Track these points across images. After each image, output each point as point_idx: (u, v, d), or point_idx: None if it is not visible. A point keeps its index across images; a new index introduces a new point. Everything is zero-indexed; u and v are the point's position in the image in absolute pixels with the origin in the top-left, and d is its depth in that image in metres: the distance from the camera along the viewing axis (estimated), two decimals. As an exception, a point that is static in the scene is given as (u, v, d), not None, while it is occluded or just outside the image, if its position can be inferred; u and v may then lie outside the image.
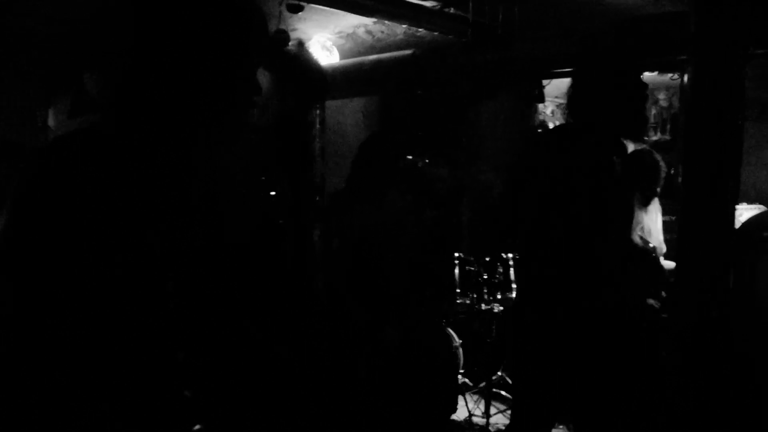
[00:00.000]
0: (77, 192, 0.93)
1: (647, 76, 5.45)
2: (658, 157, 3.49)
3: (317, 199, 4.22)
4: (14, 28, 4.14)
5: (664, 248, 3.67)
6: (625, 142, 2.59)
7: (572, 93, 2.39)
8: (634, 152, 3.76)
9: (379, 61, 4.60)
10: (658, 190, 3.48)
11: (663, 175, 3.43)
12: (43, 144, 1.05)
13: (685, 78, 2.89)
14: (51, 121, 4.12)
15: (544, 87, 4.56)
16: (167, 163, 1.04)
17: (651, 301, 3.33)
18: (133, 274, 0.96)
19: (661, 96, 6.80)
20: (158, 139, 1.03)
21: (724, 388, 2.69)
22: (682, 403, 2.87)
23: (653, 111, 7.02)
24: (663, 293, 3.38)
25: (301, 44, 4.19)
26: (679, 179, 2.67)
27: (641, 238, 3.39)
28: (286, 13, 3.79)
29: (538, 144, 2.54)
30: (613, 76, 2.31)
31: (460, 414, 3.95)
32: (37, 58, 4.29)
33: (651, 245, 3.44)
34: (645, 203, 3.44)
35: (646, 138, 6.99)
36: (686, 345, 2.64)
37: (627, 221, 2.55)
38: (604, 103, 2.29)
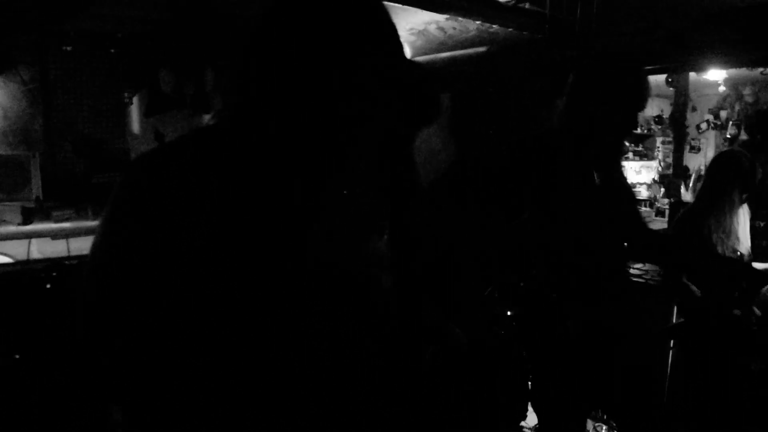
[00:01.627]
0: (202, 197, 0.92)
1: (731, 70, 5.22)
2: (751, 157, 3.28)
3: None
4: (94, 30, 4.28)
5: (752, 255, 3.47)
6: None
7: (574, 96, 2.27)
8: (727, 153, 3.55)
9: (452, 59, 4.52)
10: (745, 197, 3.28)
11: (759, 177, 3.22)
12: (156, 149, 1.04)
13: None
14: (127, 120, 4.24)
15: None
16: (290, 171, 1.00)
17: (739, 313, 3.14)
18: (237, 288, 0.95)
19: (747, 91, 6.44)
20: (281, 141, 0.99)
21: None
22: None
23: (737, 107, 6.68)
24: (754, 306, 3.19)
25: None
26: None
27: (730, 245, 3.20)
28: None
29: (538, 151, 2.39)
30: (622, 76, 2.18)
31: (529, 421, 3.85)
32: (117, 58, 4.42)
33: (739, 253, 3.25)
34: (737, 207, 3.25)
35: (728, 136, 6.67)
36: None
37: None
38: (608, 106, 2.16)
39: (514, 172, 2.28)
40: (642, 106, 2.24)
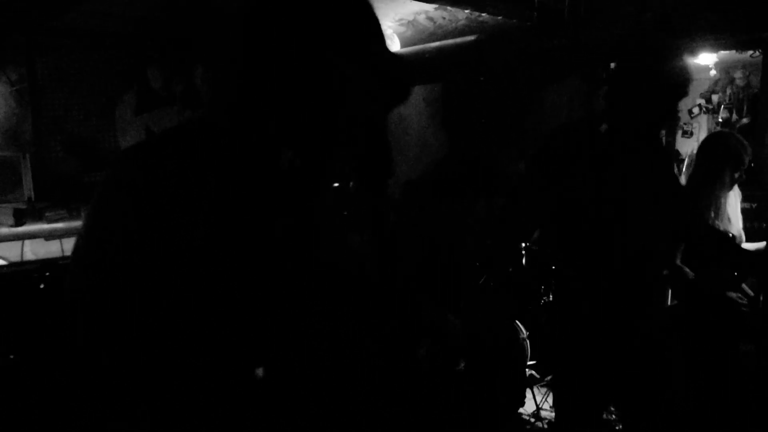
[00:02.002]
0: (197, 187, 0.91)
1: (721, 53, 5.23)
2: (741, 138, 3.28)
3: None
4: (85, 27, 4.25)
5: (743, 237, 3.49)
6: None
7: (615, 82, 2.26)
8: (716, 134, 3.56)
9: (441, 48, 4.51)
10: (743, 174, 3.28)
11: (749, 157, 3.22)
12: (147, 141, 1.02)
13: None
14: (117, 118, 4.22)
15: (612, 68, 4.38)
16: (287, 167, 0.99)
17: (732, 294, 3.16)
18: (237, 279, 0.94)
19: (738, 75, 6.44)
20: (281, 140, 0.99)
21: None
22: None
23: (728, 91, 6.68)
24: (745, 286, 3.20)
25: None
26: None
27: (722, 227, 3.21)
28: (347, 2, 3.75)
29: (569, 138, 2.36)
30: (661, 64, 2.16)
31: (528, 407, 3.87)
32: (108, 56, 4.40)
33: (731, 234, 3.26)
34: (728, 188, 3.25)
35: (720, 120, 6.67)
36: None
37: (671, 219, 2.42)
38: (645, 95, 2.14)
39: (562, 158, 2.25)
40: (684, 93, 2.21)
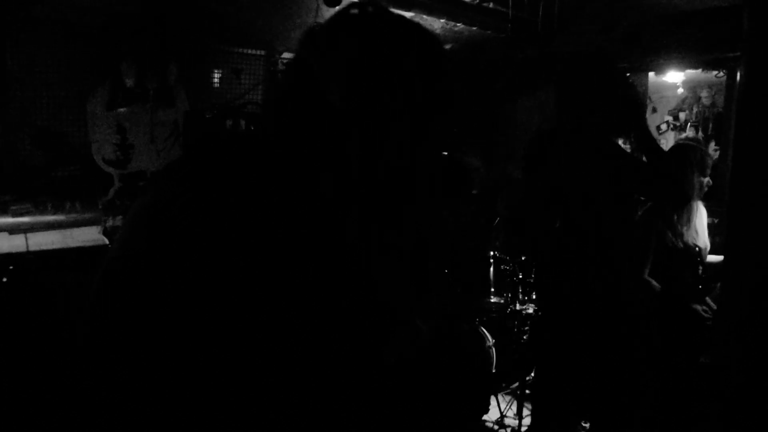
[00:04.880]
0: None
1: (689, 72, 5.37)
2: (705, 147, 3.38)
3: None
4: (58, 18, 4.20)
5: (708, 250, 3.58)
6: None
7: (563, 92, 2.37)
8: (679, 144, 3.66)
9: (415, 56, 4.54)
10: (707, 182, 3.36)
11: (712, 162, 3.32)
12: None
13: (737, 75, 2.79)
14: (88, 113, 4.17)
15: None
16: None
17: (697, 307, 3.24)
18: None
19: (704, 94, 6.62)
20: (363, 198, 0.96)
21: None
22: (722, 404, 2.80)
23: (695, 109, 6.86)
24: (708, 299, 3.28)
25: None
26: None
27: (689, 239, 3.29)
28: (323, 7, 3.78)
29: (538, 147, 2.51)
30: (603, 73, 2.28)
31: (491, 415, 3.90)
32: (81, 48, 4.35)
33: (697, 248, 3.35)
34: (699, 196, 3.33)
35: (686, 136, 6.84)
36: (733, 347, 2.55)
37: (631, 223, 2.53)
38: (597, 100, 2.25)
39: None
40: (629, 109, 2.31)
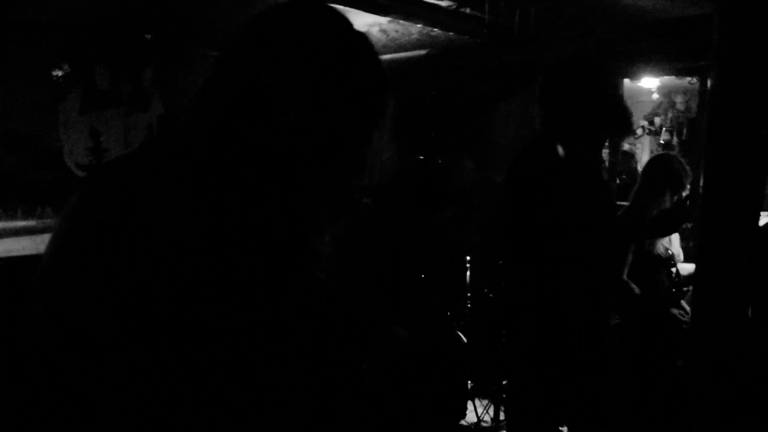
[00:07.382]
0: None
1: (663, 78, 5.45)
2: (684, 161, 3.43)
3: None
4: (30, 19, 4.13)
5: (681, 256, 3.62)
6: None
7: (551, 98, 2.36)
8: (658, 157, 3.71)
9: (392, 61, 4.56)
10: (684, 195, 3.41)
11: (689, 180, 3.36)
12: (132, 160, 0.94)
13: (708, 83, 2.83)
14: (61, 117, 4.11)
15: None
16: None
17: (674, 311, 3.28)
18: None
19: (678, 99, 6.72)
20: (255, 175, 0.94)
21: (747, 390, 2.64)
22: (703, 409, 2.83)
23: (669, 115, 6.96)
24: (684, 303, 3.33)
25: None
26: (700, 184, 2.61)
27: (664, 246, 3.33)
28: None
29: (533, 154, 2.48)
30: (589, 78, 2.27)
31: (468, 419, 3.90)
32: (54, 50, 4.28)
33: (671, 252, 3.39)
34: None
35: (661, 141, 6.93)
36: (707, 350, 2.59)
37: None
38: (584, 106, 2.25)
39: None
40: (615, 112, 2.31)
